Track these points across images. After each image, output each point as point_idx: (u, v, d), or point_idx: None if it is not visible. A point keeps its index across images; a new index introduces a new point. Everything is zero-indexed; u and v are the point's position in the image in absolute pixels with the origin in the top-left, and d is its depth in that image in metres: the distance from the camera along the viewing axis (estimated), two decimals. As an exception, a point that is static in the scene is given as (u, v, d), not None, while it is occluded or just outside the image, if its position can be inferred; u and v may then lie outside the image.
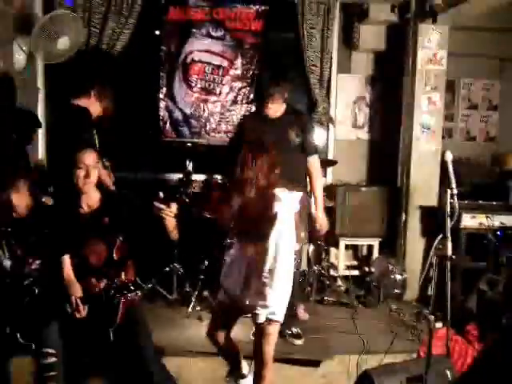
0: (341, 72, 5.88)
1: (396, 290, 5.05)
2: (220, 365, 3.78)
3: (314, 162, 4.09)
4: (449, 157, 3.14)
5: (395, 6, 5.41)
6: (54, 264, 2.92)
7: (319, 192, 4.05)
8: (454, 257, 3.17)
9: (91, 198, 3.12)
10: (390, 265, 5.09)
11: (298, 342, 4.06)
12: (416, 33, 5.17)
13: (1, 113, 4.42)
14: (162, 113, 5.72)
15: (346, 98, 5.91)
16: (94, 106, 4.19)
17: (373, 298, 5.03)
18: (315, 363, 3.95)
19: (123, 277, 3.03)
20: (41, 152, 5.36)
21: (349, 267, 5.71)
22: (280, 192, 2.84)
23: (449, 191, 3.11)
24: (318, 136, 5.95)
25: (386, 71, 5.81)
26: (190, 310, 4.46)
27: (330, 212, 5.52)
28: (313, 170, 4.08)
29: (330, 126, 5.88)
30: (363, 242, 5.65)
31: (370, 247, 5.63)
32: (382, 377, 3.38)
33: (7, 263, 2.94)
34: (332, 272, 5.60)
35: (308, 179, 4.17)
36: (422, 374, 3.40)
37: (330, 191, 5.60)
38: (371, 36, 5.72)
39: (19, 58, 4.88)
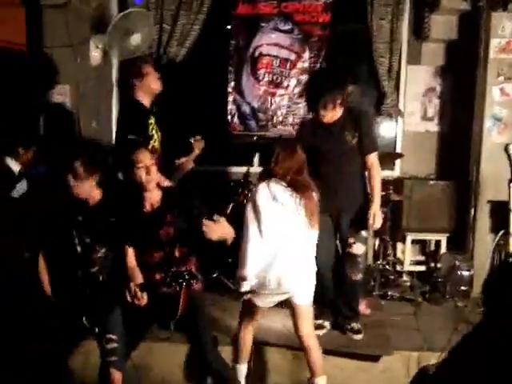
0: (410, 63, 5.77)
1: (462, 287, 4.93)
2: (282, 354, 3.91)
3: (371, 160, 3.95)
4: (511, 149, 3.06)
5: (467, -6, 5.25)
6: (119, 253, 3.07)
7: (376, 190, 3.91)
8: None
9: (153, 197, 3.20)
10: (457, 261, 4.98)
11: (358, 337, 4.07)
12: (488, 21, 5.00)
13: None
14: (230, 106, 5.83)
15: (416, 89, 5.79)
16: (147, 86, 4.09)
17: (438, 295, 4.95)
18: (375, 358, 3.95)
19: (185, 284, 3.05)
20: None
21: (415, 263, 5.63)
22: None
23: (512, 185, 3.03)
24: (387, 128, 5.91)
25: (457, 62, 5.63)
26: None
27: (397, 206, 5.49)
28: (370, 168, 3.96)
29: (399, 118, 5.80)
30: (430, 237, 5.54)
31: (438, 242, 5.52)
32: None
33: (78, 249, 3.14)
34: (398, 267, 5.54)
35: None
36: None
37: (397, 185, 5.53)
38: (442, 26, 5.56)
39: (95, 54, 5.13)
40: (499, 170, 5.07)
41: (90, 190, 3.16)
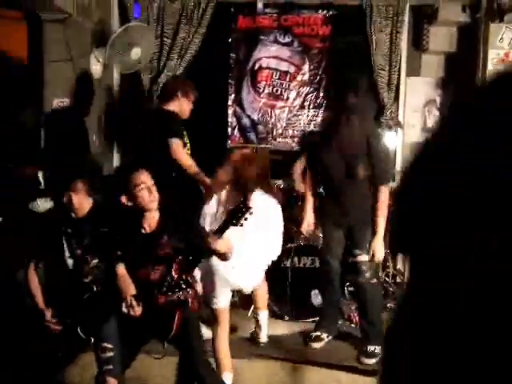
0: (410, 75, 5.79)
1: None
2: (277, 368, 3.90)
3: (381, 192, 3.77)
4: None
5: (466, 5, 5.27)
6: (112, 263, 3.08)
7: (380, 226, 3.75)
8: None
9: (153, 217, 3.17)
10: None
11: (370, 361, 3.93)
12: (486, 33, 5.02)
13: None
14: (230, 119, 5.86)
15: (416, 101, 5.81)
16: (182, 107, 4.27)
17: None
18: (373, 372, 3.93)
19: (181, 293, 3.07)
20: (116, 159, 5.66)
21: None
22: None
23: None
24: (386, 140, 5.90)
25: (457, 73, 5.64)
26: (250, 313, 4.56)
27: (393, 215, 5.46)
28: (379, 200, 3.77)
29: (399, 129, 5.81)
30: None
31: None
32: None
33: (69, 262, 3.15)
34: (398, 279, 5.51)
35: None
36: None
37: (393, 194, 5.52)
38: (441, 38, 5.58)
39: (96, 68, 5.19)
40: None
41: (81, 200, 3.19)
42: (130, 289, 3.02)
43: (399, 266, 5.65)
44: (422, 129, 5.83)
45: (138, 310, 3.00)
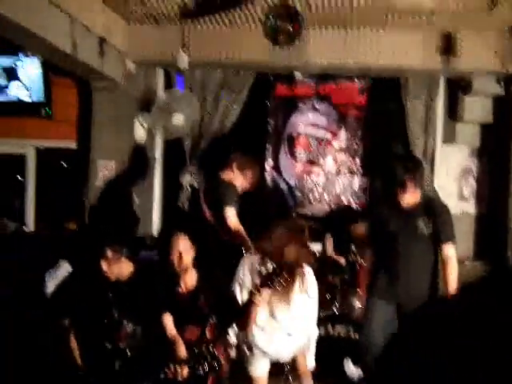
0: (445, 142, 5.85)
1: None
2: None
3: (447, 251, 3.60)
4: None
5: (500, 78, 5.37)
6: (149, 328, 3.14)
7: (450, 288, 3.50)
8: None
9: (189, 279, 3.27)
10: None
11: None
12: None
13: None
14: (268, 184, 5.98)
15: (452, 169, 5.85)
16: (238, 179, 4.36)
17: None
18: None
19: (216, 361, 3.10)
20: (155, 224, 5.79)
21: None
22: None
23: None
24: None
25: (493, 143, 5.70)
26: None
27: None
28: (446, 260, 3.58)
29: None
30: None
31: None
32: None
33: (106, 324, 3.24)
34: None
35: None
36: None
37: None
38: (477, 108, 5.66)
39: (139, 132, 5.41)
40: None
41: (120, 268, 3.31)
42: (182, 349, 3.04)
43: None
44: (458, 197, 5.85)
45: (182, 374, 2.99)
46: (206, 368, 2.97)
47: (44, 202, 5.21)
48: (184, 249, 3.21)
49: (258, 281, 3.07)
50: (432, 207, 3.64)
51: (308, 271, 3.56)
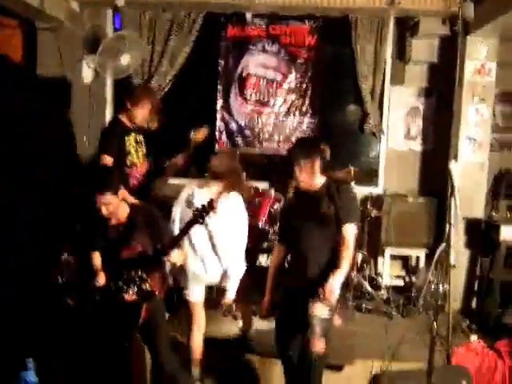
0: (394, 84, 5.96)
1: (437, 301, 5.04)
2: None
3: (345, 231, 3.34)
4: (453, 166, 3.24)
5: (445, 19, 5.44)
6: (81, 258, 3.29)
7: (343, 262, 3.28)
8: (454, 266, 3.25)
9: (120, 214, 3.36)
10: (432, 276, 5.10)
11: None
12: (464, 45, 5.18)
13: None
14: (218, 124, 6.06)
15: (399, 109, 5.98)
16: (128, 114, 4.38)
17: (412, 308, 5.07)
18: (338, 368, 4.10)
19: (148, 285, 3.24)
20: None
21: (396, 277, 5.78)
22: None
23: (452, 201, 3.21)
24: (369, 147, 6.08)
25: (439, 83, 5.82)
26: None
27: (376, 221, 5.66)
28: (343, 239, 3.34)
29: (382, 137, 5.98)
30: (409, 252, 5.69)
31: (418, 258, 5.66)
32: (392, 382, 3.50)
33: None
34: (379, 281, 5.67)
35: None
36: (434, 383, 3.49)
37: (377, 201, 5.71)
38: (424, 48, 5.76)
39: (87, 73, 5.42)
40: (474, 189, 5.22)
41: None
42: (101, 276, 3.22)
43: (380, 269, 5.84)
44: (405, 136, 6.00)
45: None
46: (135, 291, 3.11)
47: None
48: (109, 203, 3.26)
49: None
50: (337, 192, 3.41)
51: (236, 199, 3.76)
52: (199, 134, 4.56)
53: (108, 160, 4.14)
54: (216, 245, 3.62)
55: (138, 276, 3.12)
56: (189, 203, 3.63)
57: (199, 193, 3.64)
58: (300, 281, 3.39)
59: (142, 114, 4.36)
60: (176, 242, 3.18)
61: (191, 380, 3.65)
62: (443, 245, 3.37)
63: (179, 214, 3.67)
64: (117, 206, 3.27)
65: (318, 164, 3.40)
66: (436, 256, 3.43)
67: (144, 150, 4.47)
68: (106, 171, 3.67)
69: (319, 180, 3.44)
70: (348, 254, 3.30)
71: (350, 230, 3.34)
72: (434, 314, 3.27)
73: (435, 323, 3.21)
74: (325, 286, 3.19)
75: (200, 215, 3.11)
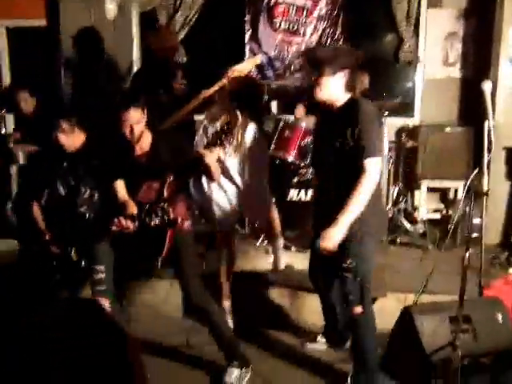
0: (431, 6, 5.61)
1: (475, 234, 4.88)
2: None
3: (365, 166, 2.88)
4: (486, 86, 3.03)
5: None
6: (105, 192, 3.24)
7: (352, 200, 2.87)
8: (487, 192, 3.09)
9: (144, 143, 3.26)
10: (470, 208, 4.91)
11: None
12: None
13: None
14: (247, 56, 5.86)
15: (437, 34, 5.64)
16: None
17: (449, 242, 4.94)
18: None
19: (171, 214, 3.14)
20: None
21: (433, 211, 5.62)
22: None
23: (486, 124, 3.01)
24: (405, 75, 5.80)
25: (479, 4, 5.44)
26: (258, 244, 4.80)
27: (412, 153, 5.46)
28: (361, 173, 2.88)
29: (419, 65, 5.69)
30: (446, 184, 5.49)
31: (456, 191, 5.47)
32: (423, 314, 3.41)
33: (62, 191, 3.40)
34: (415, 214, 5.53)
35: None
36: (468, 314, 3.40)
37: (413, 132, 5.50)
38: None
39: (109, 7, 5.27)
40: (515, 116, 4.95)
41: (74, 140, 3.40)
42: (130, 206, 3.14)
43: (417, 202, 5.67)
44: (443, 63, 5.69)
45: (129, 226, 3.09)
46: (157, 222, 3.04)
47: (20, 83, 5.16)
48: (135, 121, 3.16)
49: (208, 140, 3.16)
50: (356, 115, 2.93)
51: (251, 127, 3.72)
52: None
53: None
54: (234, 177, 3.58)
55: (160, 207, 3.03)
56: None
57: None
58: (324, 213, 3.17)
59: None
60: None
61: (222, 313, 3.64)
62: (476, 170, 3.15)
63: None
64: (141, 128, 3.19)
65: (347, 76, 2.94)
66: (468, 181, 3.23)
67: None
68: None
69: (343, 97, 3.00)
70: (361, 194, 2.86)
71: (372, 164, 2.87)
72: (467, 244, 3.10)
73: (467, 253, 3.05)
74: (324, 233, 2.90)
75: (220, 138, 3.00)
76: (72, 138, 3.43)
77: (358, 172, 2.89)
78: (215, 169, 3.14)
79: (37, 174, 3.61)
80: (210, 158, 3.04)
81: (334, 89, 2.95)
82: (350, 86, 2.98)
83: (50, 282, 3.51)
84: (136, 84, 4.40)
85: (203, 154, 3.03)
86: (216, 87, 4.24)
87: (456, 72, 5.68)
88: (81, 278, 3.35)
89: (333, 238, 2.89)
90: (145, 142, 3.27)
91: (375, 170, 2.89)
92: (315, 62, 2.95)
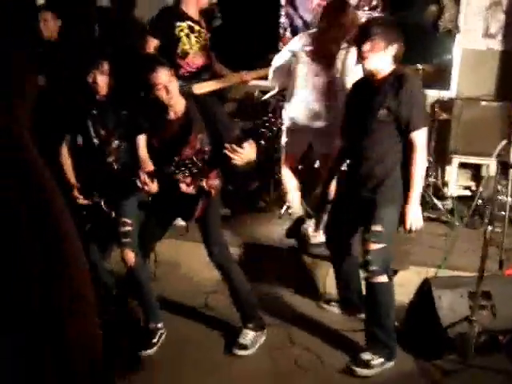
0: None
1: (503, 213, 4.78)
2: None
3: (414, 140, 2.99)
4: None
5: None
6: (133, 144, 3.21)
7: (415, 180, 3.02)
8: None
9: (177, 106, 3.17)
10: (500, 185, 4.80)
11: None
12: None
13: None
14: (283, 20, 5.76)
15: (478, 3, 5.43)
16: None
17: (477, 219, 4.84)
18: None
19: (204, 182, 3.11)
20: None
21: (464, 187, 5.50)
22: None
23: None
24: (444, 45, 5.62)
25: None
26: (282, 211, 4.82)
27: (444, 126, 5.33)
28: (412, 149, 3.00)
29: (458, 35, 5.50)
30: (479, 160, 5.34)
31: (489, 167, 5.33)
32: (441, 287, 3.37)
33: (95, 141, 3.41)
34: (444, 190, 5.42)
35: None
36: (488, 291, 3.34)
37: (447, 104, 5.35)
38: None
39: None
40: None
41: (105, 80, 3.36)
42: (147, 166, 3.13)
43: (447, 177, 5.56)
44: (484, 34, 5.50)
45: (152, 187, 3.03)
46: (188, 174, 2.92)
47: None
48: (167, 81, 3.07)
49: None
50: (403, 87, 2.98)
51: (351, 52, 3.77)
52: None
53: (151, 42, 4.05)
54: None
55: (189, 160, 2.93)
56: None
57: None
58: (357, 180, 3.26)
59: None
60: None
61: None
62: (504, 141, 3.06)
63: None
64: (176, 87, 3.13)
65: (397, 50, 2.99)
66: (495, 153, 3.15)
67: (202, 43, 4.30)
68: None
69: (387, 68, 3.05)
70: (419, 167, 3.02)
71: (421, 137, 3.00)
72: (490, 219, 3.05)
73: (489, 227, 2.99)
74: (405, 217, 3.08)
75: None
76: (107, 82, 3.36)
77: (398, 141, 3.07)
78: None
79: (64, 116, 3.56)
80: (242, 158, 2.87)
81: (383, 62, 3.02)
82: (397, 59, 3.04)
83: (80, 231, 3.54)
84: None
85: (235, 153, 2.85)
86: (255, 75, 4.51)
87: (496, 44, 5.48)
88: (111, 228, 3.35)
89: (417, 215, 3.11)
90: (179, 107, 3.19)
91: (423, 140, 3.03)
92: (368, 36, 2.97)
